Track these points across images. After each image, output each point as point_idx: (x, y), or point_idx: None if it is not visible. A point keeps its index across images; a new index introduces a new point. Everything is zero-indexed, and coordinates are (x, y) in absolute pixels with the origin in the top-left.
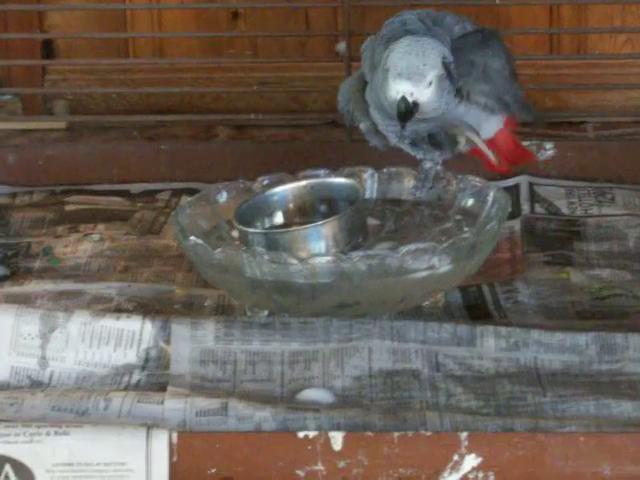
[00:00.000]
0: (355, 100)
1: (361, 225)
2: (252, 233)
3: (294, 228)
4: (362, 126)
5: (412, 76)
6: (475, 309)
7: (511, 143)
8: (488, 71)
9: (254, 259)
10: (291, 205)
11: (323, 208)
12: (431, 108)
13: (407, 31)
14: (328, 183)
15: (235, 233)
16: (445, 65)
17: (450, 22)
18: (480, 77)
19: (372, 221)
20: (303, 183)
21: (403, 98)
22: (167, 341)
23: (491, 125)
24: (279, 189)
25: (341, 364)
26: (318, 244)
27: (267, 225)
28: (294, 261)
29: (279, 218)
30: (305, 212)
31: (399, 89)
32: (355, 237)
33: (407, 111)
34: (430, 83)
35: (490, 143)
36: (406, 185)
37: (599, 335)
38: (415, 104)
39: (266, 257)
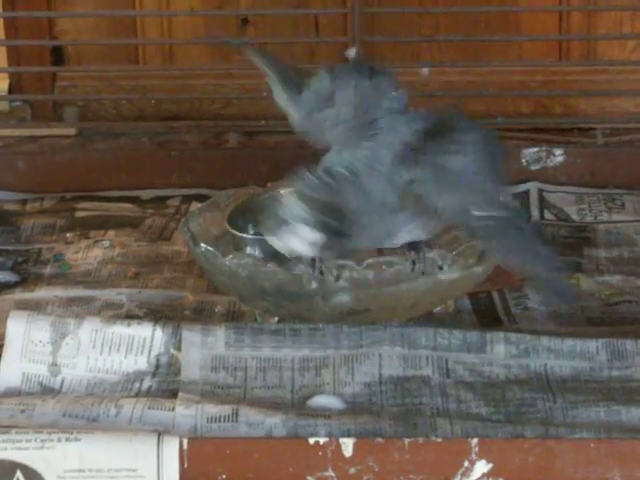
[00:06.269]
0: None
1: None
2: (244, 238)
3: None
4: None
5: None
6: (485, 315)
7: None
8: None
9: (263, 266)
10: None
11: None
12: None
13: None
14: None
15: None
16: None
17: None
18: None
19: None
20: None
21: None
22: (178, 347)
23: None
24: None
25: (351, 371)
26: None
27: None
28: (303, 268)
29: None
30: None
31: None
32: None
33: None
34: None
35: None
36: None
37: (609, 341)
38: None
39: (274, 264)
